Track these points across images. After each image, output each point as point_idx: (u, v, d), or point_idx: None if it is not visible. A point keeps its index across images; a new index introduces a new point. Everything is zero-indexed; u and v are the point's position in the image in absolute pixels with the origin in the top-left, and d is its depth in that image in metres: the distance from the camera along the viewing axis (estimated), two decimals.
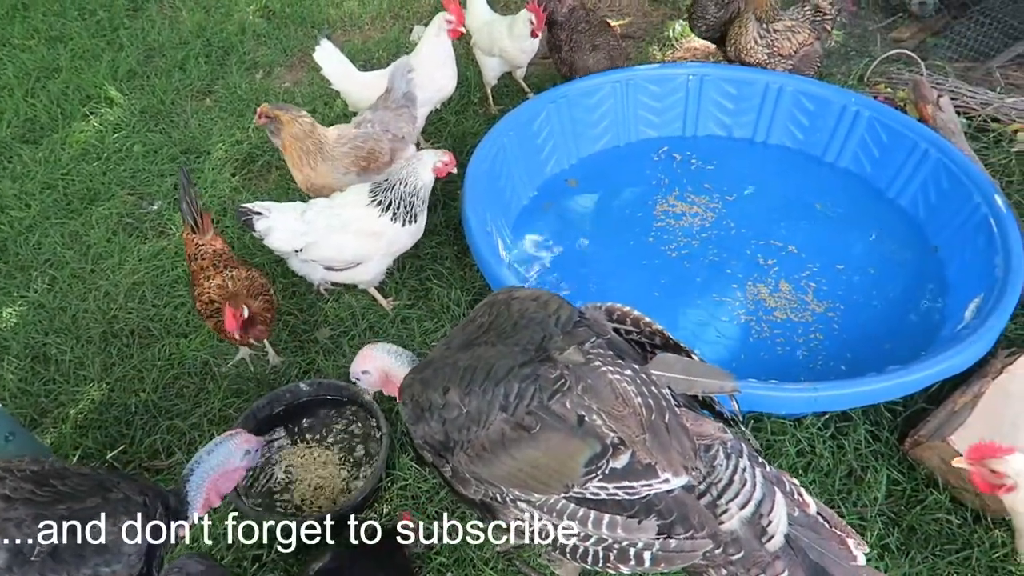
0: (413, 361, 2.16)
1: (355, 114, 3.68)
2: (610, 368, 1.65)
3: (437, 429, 1.77)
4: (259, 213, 2.82)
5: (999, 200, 3.08)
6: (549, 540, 1.69)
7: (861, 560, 1.61)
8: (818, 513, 1.66)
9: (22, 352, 3.16)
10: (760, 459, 1.72)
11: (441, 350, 1.92)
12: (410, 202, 2.96)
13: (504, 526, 1.79)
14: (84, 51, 4.91)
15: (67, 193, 3.91)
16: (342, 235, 2.90)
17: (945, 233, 3.29)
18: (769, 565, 1.56)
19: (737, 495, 1.60)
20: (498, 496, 1.74)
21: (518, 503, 1.71)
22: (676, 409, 1.67)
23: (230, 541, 2.44)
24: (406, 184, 2.96)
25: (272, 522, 2.36)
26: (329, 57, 3.65)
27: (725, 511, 1.59)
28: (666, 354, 1.79)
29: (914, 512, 2.42)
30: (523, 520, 1.72)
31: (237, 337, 2.65)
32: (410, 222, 2.99)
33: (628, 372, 1.65)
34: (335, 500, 2.55)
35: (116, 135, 4.23)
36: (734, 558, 1.57)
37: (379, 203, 2.94)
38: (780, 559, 1.56)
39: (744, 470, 1.64)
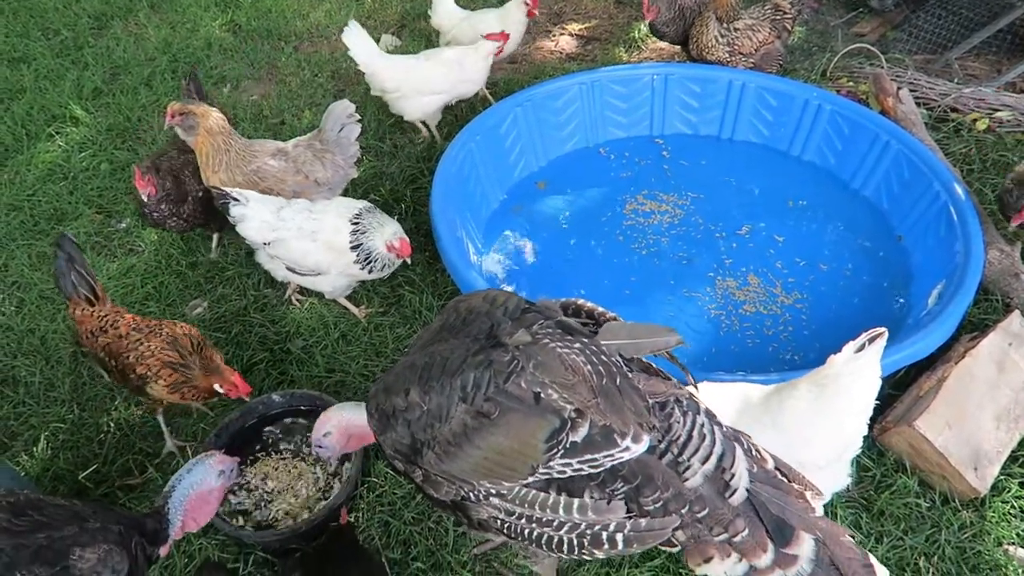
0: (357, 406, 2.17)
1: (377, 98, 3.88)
2: (558, 344, 1.68)
3: (403, 433, 1.78)
4: (236, 199, 2.86)
5: (958, 188, 3.14)
6: (524, 534, 1.70)
7: (819, 511, 1.65)
8: (776, 468, 1.68)
9: None
10: (717, 419, 1.72)
11: (402, 359, 1.94)
12: (368, 253, 2.93)
13: (479, 524, 1.80)
14: (48, 71, 4.87)
15: (33, 214, 3.88)
16: (309, 242, 2.90)
17: (908, 222, 3.35)
18: (731, 523, 1.58)
19: (697, 450, 1.62)
20: (472, 494, 1.75)
21: (491, 499, 1.72)
22: (627, 373, 1.69)
23: (207, 556, 2.43)
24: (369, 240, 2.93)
25: (248, 535, 2.35)
26: (356, 39, 3.69)
27: (688, 467, 1.61)
28: (612, 323, 1.81)
29: (884, 497, 2.46)
30: (498, 515, 1.73)
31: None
32: (365, 268, 2.97)
33: (577, 345, 1.69)
34: (311, 509, 2.54)
35: (83, 154, 4.20)
36: (700, 515, 1.59)
37: (355, 231, 2.91)
38: (740, 517, 1.58)
39: (702, 426, 1.65)
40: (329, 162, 3.22)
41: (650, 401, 1.66)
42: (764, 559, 1.57)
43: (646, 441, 1.59)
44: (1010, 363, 2.61)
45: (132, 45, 5.12)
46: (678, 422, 1.65)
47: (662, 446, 1.63)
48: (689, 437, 1.63)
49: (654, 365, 1.82)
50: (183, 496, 2.09)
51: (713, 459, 1.60)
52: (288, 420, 2.79)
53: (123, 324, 2.58)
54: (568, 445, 1.59)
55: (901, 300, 3.12)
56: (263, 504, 2.58)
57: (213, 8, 5.50)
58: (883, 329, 2.00)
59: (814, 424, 2.02)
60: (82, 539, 1.82)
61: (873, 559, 1.61)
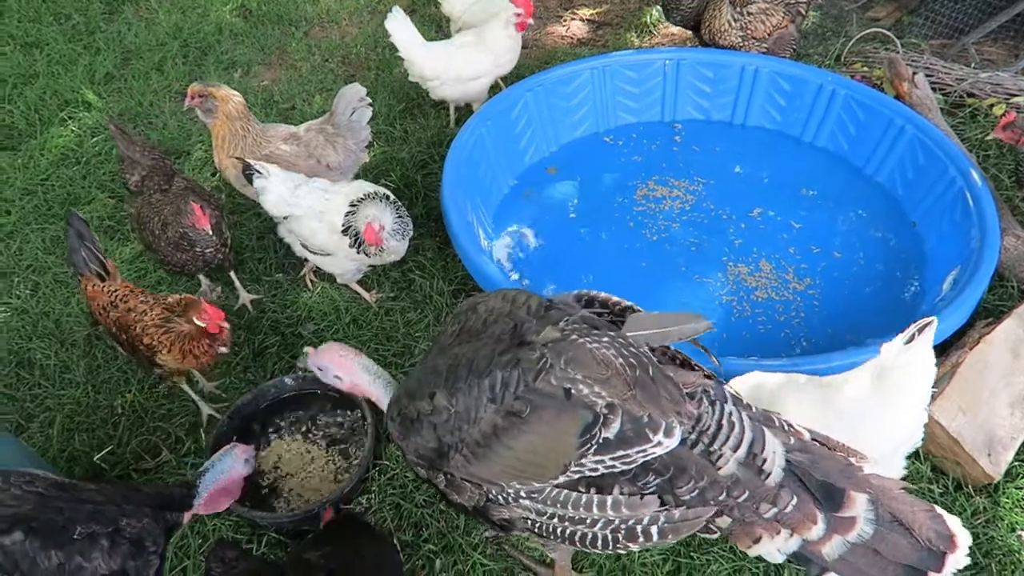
0: (388, 383, 2.16)
1: (411, 84, 3.90)
2: (587, 339, 1.66)
3: (429, 437, 1.76)
4: (259, 172, 2.92)
5: (975, 174, 3.10)
6: (556, 532, 1.69)
7: (868, 469, 1.60)
8: (814, 439, 1.66)
9: (6, 358, 3.15)
10: (744, 403, 1.71)
11: (419, 366, 1.94)
12: (356, 233, 2.88)
13: (501, 525, 1.79)
14: (60, 56, 4.88)
15: (47, 198, 3.90)
16: (317, 222, 2.92)
17: (922, 208, 3.32)
18: (777, 497, 1.55)
19: (728, 438, 1.59)
20: (500, 496, 1.72)
21: (520, 500, 1.70)
22: (657, 363, 1.68)
23: (221, 536, 2.46)
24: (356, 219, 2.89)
25: (260, 516, 2.38)
26: (400, 26, 3.70)
27: (720, 455, 1.59)
28: (638, 314, 1.80)
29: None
30: (528, 516, 1.71)
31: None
32: (360, 252, 2.93)
33: (605, 339, 1.67)
34: (323, 492, 2.56)
35: (95, 139, 4.21)
36: (740, 500, 1.57)
37: (348, 213, 2.89)
38: (785, 488, 1.56)
39: (731, 414, 1.63)
40: (341, 146, 3.21)
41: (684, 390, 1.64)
42: (815, 530, 1.53)
43: (678, 435, 1.57)
44: None
45: (143, 30, 5.12)
46: (707, 412, 1.63)
47: (692, 436, 1.61)
48: (719, 427, 1.61)
49: (681, 352, 1.81)
50: (214, 478, 2.24)
51: (744, 446, 1.58)
52: (300, 404, 2.81)
53: (132, 298, 2.62)
54: (601, 441, 1.57)
55: (915, 286, 3.10)
56: (276, 486, 2.61)
57: None
58: (932, 319, 1.98)
59: (871, 416, 2.00)
60: (126, 510, 1.98)
61: (941, 509, 1.55)
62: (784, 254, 3.27)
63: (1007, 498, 2.41)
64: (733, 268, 3.22)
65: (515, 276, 3.27)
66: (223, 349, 2.61)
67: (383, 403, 2.15)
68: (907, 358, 1.99)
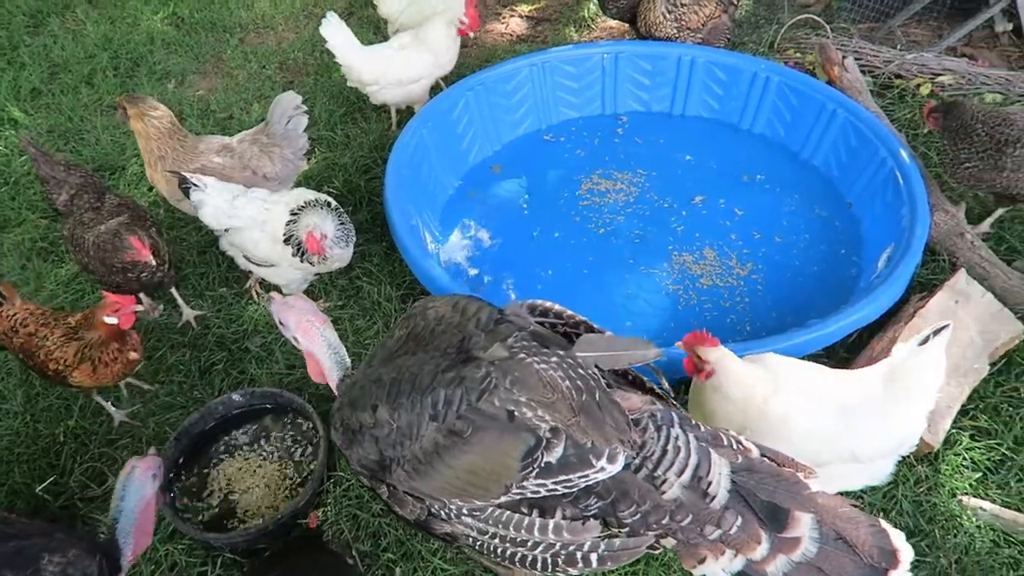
0: (342, 363, 2.11)
1: (351, 89, 3.89)
2: (535, 358, 1.66)
3: (371, 449, 1.74)
4: (196, 185, 2.85)
5: (904, 153, 3.20)
6: (497, 552, 1.68)
7: (815, 487, 1.64)
8: (762, 455, 1.68)
9: None
10: (692, 423, 1.73)
11: (364, 369, 1.90)
12: (298, 242, 2.83)
13: (443, 537, 1.78)
14: None
15: None
16: (259, 232, 2.86)
17: (857, 189, 3.41)
18: (722, 518, 1.58)
19: (673, 464, 1.61)
20: (443, 512, 1.72)
21: (463, 517, 1.70)
22: (605, 387, 1.69)
23: (174, 562, 2.40)
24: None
25: (214, 538, 2.33)
26: (335, 31, 3.65)
27: (664, 480, 1.60)
28: (589, 335, 1.81)
29: None
30: (470, 533, 1.71)
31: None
32: (303, 261, 2.86)
33: (554, 359, 1.66)
34: (278, 508, 2.52)
35: (23, 157, 4.05)
36: (683, 523, 1.59)
37: (289, 222, 2.82)
38: (730, 509, 1.58)
39: (676, 438, 1.64)
40: (277, 156, 3.16)
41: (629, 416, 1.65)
42: (759, 551, 1.57)
43: (621, 461, 1.58)
44: (957, 320, 2.68)
45: (71, 42, 4.95)
46: (652, 438, 1.64)
47: (636, 461, 1.62)
48: (664, 452, 1.62)
49: (633, 371, 1.83)
50: (128, 524, 2.05)
51: (689, 470, 1.60)
52: (250, 419, 2.76)
53: (32, 322, 2.53)
54: (543, 465, 1.57)
55: (854, 266, 3.18)
56: (229, 506, 2.55)
57: (154, 1, 5.34)
58: (948, 322, 1.99)
59: (879, 415, 2.02)
60: (51, 546, 1.84)
61: (885, 523, 1.60)
62: (727, 241, 3.33)
63: (947, 465, 2.50)
64: (678, 257, 3.26)
65: (474, 272, 3.26)
66: (133, 355, 2.54)
67: (332, 382, 2.08)
68: (919, 360, 2.01)
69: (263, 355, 3.01)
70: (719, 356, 2.09)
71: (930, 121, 3.10)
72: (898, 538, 1.59)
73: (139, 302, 3.12)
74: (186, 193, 2.89)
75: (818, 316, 2.78)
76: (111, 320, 2.45)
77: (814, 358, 2.75)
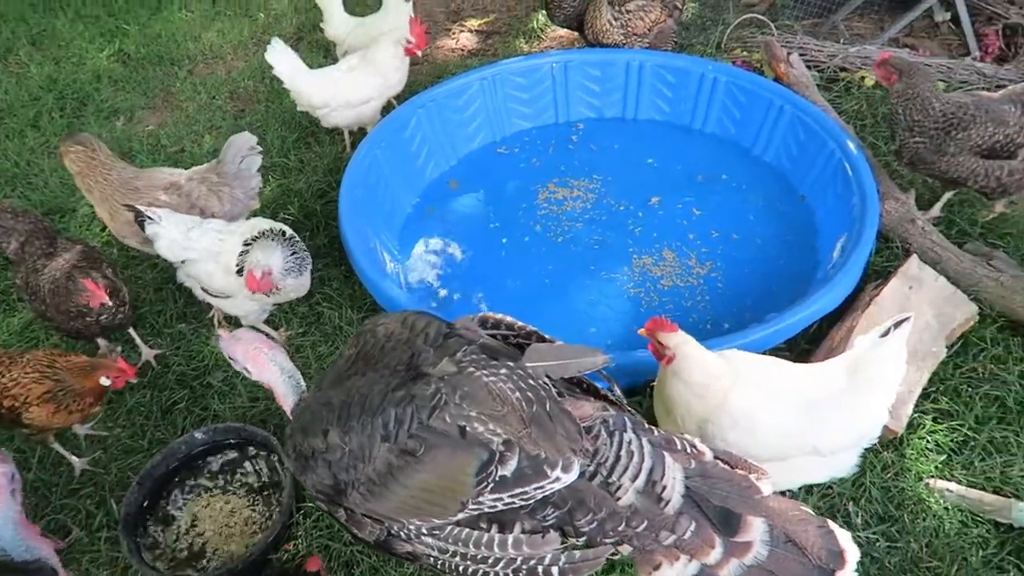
0: (297, 386, 2.08)
1: (304, 113, 3.87)
2: (484, 372, 1.65)
3: (325, 475, 1.72)
4: (150, 218, 2.82)
5: (851, 144, 3.25)
6: (459, 571, 1.67)
7: (767, 491, 1.66)
8: (716, 458, 1.69)
9: None
10: (646, 427, 1.74)
11: (314, 392, 1.88)
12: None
13: (405, 556, 1.76)
14: None
15: None
16: (213, 263, 2.82)
17: (808, 182, 3.46)
18: (676, 524, 1.59)
19: (627, 469, 1.61)
20: (402, 532, 1.70)
21: (423, 537, 1.69)
22: (556, 396, 1.69)
23: None
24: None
25: None
26: (280, 57, 3.64)
27: (619, 487, 1.61)
28: (538, 344, 1.80)
29: None
30: (431, 553, 1.69)
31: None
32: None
33: (503, 371, 1.66)
34: (247, 545, 2.47)
35: None
36: (639, 529, 1.59)
37: (241, 253, 2.79)
38: (684, 515, 1.59)
39: (630, 443, 1.65)
40: (227, 196, 3.11)
41: (581, 424, 1.65)
42: (713, 555, 1.58)
43: (576, 470, 1.58)
44: (912, 305, 2.72)
45: (14, 85, 4.87)
46: (605, 444, 1.64)
47: (591, 469, 1.62)
48: (617, 458, 1.63)
49: (586, 379, 1.83)
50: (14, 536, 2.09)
51: (643, 475, 1.61)
52: (214, 455, 2.71)
53: None
54: (498, 479, 1.57)
55: (810, 258, 3.21)
56: (198, 546, 2.50)
57: (99, 39, 5.28)
58: (909, 314, 2.00)
59: (842, 407, 2.03)
60: None
61: (833, 524, 1.63)
62: (685, 241, 3.35)
63: (912, 449, 2.52)
64: (638, 261, 3.27)
65: (444, 293, 3.25)
66: (96, 408, 2.52)
67: (287, 406, 2.05)
68: (881, 352, 2.02)
69: (225, 389, 2.96)
70: (678, 341, 2.09)
71: (879, 72, 2.99)
72: (845, 539, 1.62)
73: (97, 346, 3.08)
74: (141, 226, 2.84)
75: (778, 310, 2.80)
76: (105, 382, 2.42)
77: (776, 351, 2.77)
